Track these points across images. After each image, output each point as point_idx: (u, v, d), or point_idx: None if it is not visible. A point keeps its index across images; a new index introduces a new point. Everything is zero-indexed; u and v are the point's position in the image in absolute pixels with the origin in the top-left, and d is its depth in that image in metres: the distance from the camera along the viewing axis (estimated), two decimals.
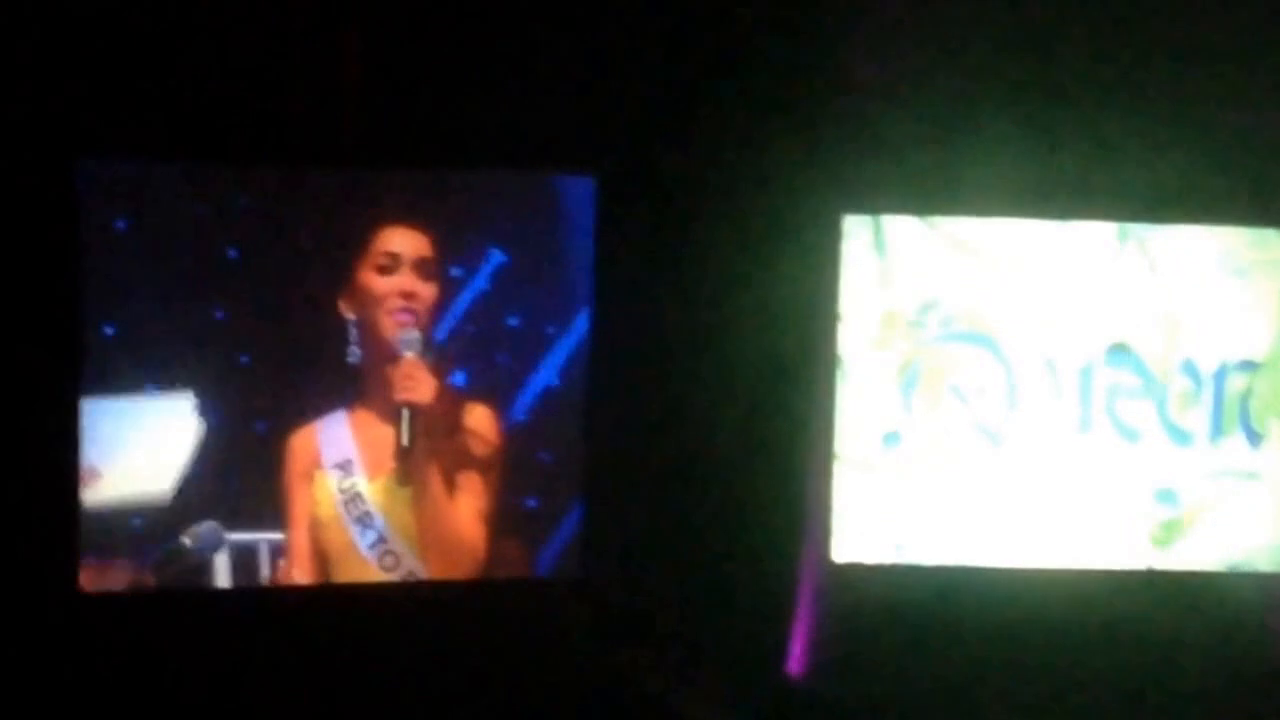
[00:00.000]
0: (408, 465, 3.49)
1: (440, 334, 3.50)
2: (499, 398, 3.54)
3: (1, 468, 3.23)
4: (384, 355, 3.46)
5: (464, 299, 3.50)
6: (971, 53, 3.51)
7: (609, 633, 3.55)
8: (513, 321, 3.52)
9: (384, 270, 3.45)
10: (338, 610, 3.44)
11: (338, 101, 3.41)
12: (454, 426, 3.52)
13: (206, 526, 3.40)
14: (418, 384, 3.48)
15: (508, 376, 3.54)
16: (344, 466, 3.48)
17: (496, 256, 3.49)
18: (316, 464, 3.48)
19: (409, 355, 3.48)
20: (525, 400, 3.55)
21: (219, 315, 3.37)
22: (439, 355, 3.49)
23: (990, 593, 3.55)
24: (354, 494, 3.49)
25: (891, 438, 3.53)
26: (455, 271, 3.49)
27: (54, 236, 3.19)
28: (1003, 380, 3.53)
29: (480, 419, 3.54)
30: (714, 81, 3.47)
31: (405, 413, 3.48)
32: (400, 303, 3.46)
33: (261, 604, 3.40)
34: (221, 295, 3.36)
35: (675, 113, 3.45)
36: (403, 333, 3.47)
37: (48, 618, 3.26)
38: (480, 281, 3.49)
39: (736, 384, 3.54)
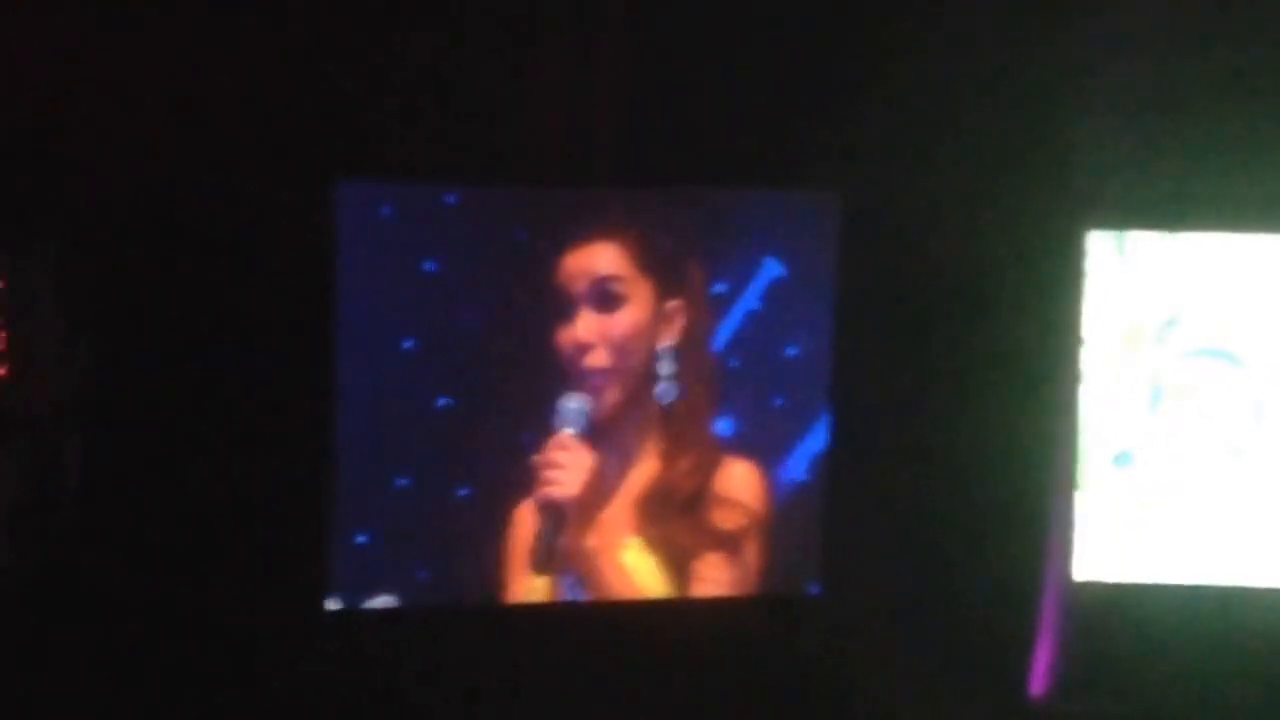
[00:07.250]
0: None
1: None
2: (769, 452, 2.88)
3: (258, 483, 3.17)
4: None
5: (731, 320, 2.85)
6: (1214, 67, 3.48)
7: (848, 651, 3.53)
8: (791, 352, 2.92)
9: (560, 315, 2.75)
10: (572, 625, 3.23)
11: (585, 121, 3.27)
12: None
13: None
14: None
15: (784, 424, 2.88)
16: None
17: (772, 268, 2.89)
18: None
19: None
20: (805, 454, 2.90)
21: (406, 345, 2.73)
22: (699, 389, 2.78)
23: (1236, 612, 3.49)
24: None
25: (1130, 455, 3.49)
26: (719, 288, 2.86)
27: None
28: (1247, 395, 3.48)
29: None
30: (956, 101, 3.46)
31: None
32: (572, 361, 2.74)
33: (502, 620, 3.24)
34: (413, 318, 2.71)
35: (918, 132, 3.44)
36: (563, 400, 2.75)
37: (296, 634, 3.21)
38: (751, 299, 2.87)
39: (977, 402, 3.51)
